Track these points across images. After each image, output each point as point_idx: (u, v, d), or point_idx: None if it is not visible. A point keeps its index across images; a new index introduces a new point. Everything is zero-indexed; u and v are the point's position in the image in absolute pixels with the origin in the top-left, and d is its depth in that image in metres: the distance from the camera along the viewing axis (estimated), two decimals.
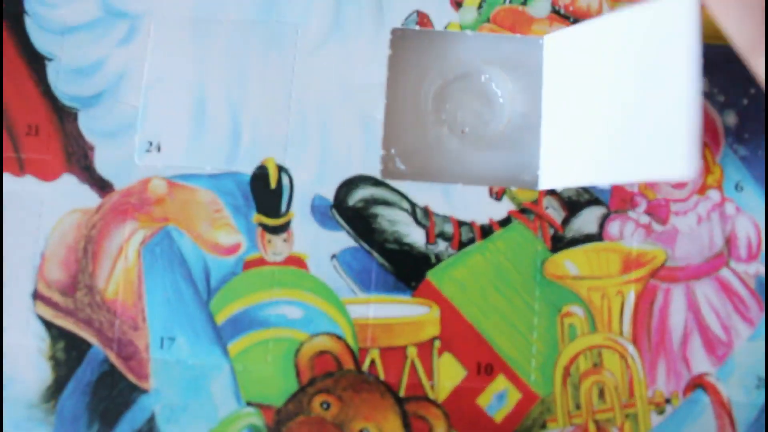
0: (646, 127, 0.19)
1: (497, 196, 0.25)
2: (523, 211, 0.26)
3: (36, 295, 0.26)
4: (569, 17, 0.26)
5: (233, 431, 0.24)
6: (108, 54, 0.27)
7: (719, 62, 0.25)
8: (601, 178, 0.23)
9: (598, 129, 0.23)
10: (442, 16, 0.26)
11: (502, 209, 0.25)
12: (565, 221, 0.25)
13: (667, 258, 0.25)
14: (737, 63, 0.25)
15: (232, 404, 0.25)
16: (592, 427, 0.25)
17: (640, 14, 0.19)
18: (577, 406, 0.25)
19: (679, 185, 0.25)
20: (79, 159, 0.26)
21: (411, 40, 0.26)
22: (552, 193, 0.25)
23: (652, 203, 0.25)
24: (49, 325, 0.25)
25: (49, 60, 0.27)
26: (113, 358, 0.25)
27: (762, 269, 0.25)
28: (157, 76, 0.26)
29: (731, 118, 0.25)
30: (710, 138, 0.25)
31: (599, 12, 0.26)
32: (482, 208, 0.26)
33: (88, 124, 0.26)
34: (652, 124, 0.19)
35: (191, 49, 0.26)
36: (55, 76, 0.27)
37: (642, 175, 0.21)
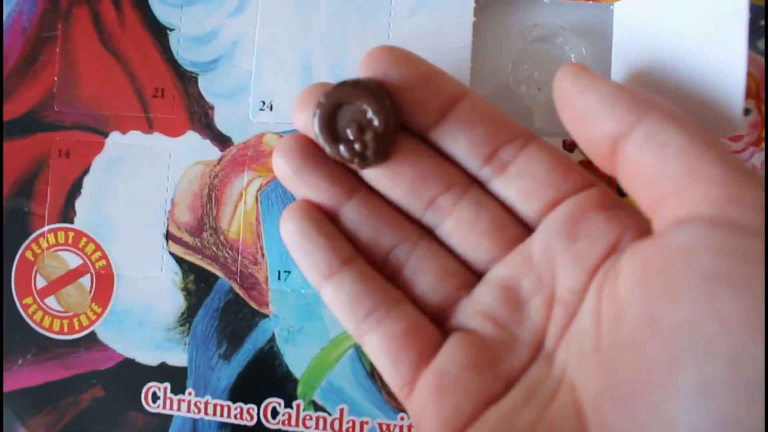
0: (700, 88, 0.21)
1: (570, 147, 0.28)
2: None
3: (168, 236, 0.29)
4: None
5: (342, 349, 0.28)
6: (222, 24, 0.30)
7: None
8: None
9: (659, 89, 0.25)
10: None
11: (574, 159, 0.28)
12: None
13: None
14: None
15: (340, 326, 0.28)
16: None
17: None
18: None
19: (736, 138, 0.28)
20: (200, 117, 0.30)
21: (493, 8, 0.29)
22: None
23: None
24: (180, 260, 0.29)
25: (171, 30, 0.30)
26: (237, 288, 0.29)
27: None
28: (267, 42, 0.29)
29: None
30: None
31: None
32: None
33: (207, 87, 0.30)
34: (705, 85, 0.21)
35: (296, 18, 0.29)
36: (176, 44, 0.30)
37: None
